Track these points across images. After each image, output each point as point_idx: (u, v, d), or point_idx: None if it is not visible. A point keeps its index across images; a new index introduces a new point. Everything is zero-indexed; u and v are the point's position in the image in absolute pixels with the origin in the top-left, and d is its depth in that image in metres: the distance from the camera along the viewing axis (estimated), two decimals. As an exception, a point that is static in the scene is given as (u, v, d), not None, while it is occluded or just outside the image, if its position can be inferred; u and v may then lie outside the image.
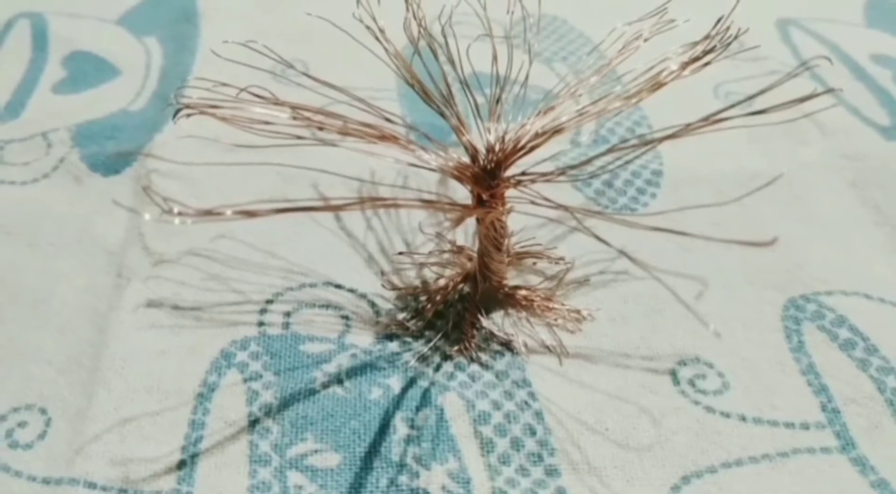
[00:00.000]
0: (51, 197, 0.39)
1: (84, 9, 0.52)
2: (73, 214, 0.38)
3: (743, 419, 0.31)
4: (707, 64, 0.32)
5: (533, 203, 0.30)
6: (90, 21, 0.51)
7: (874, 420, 0.31)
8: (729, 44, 0.32)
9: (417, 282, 0.35)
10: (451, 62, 0.33)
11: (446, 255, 0.36)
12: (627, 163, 0.31)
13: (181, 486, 0.28)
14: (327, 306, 0.34)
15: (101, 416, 0.30)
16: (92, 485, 0.28)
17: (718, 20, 0.32)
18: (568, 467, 0.29)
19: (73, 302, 0.34)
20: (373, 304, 0.35)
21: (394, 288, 0.35)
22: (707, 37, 0.32)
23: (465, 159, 0.30)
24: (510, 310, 0.34)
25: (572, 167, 0.30)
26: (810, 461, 0.29)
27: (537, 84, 0.49)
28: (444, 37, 0.33)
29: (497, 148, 0.30)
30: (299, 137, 0.29)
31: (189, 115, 0.29)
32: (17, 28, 0.50)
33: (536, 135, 0.31)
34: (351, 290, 0.35)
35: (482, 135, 0.31)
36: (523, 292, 0.34)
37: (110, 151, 0.41)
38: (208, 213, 0.25)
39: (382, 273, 0.36)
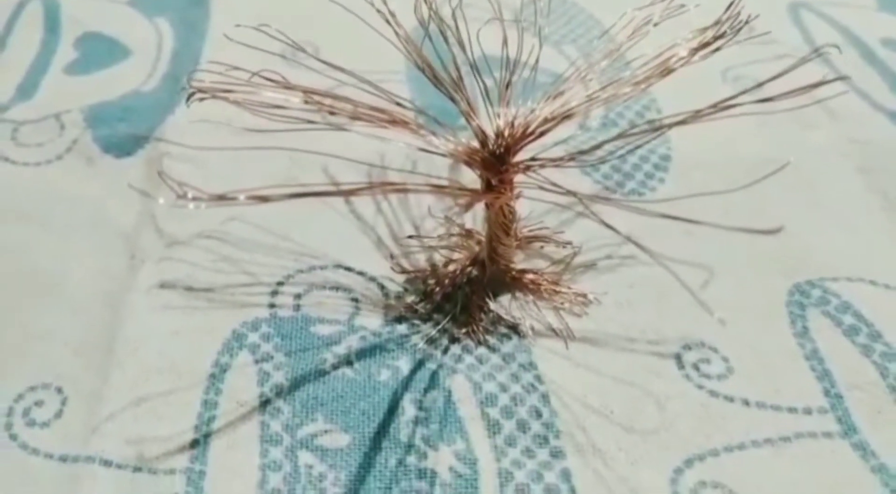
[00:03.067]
0: (64, 178, 0.39)
1: (95, -11, 0.52)
2: (86, 196, 0.38)
3: (746, 403, 0.31)
4: (717, 49, 0.32)
5: (541, 188, 0.30)
6: (101, 2, 0.51)
7: (876, 405, 0.31)
8: (740, 29, 0.32)
9: (426, 265, 0.36)
10: (461, 46, 0.33)
11: (455, 239, 0.36)
12: (637, 148, 0.31)
13: (194, 465, 0.29)
14: (337, 288, 0.35)
15: (116, 396, 0.31)
16: (107, 463, 0.29)
17: (730, 5, 0.32)
18: (573, 449, 0.30)
19: (87, 283, 0.35)
20: (382, 287, 0.35)
21: (403, 271, 0.35)
22: (717, 22, 0.32)
23: (475, 144, 0.31)
24: (517, 294, 0.35)
25: (582, 152, 0.31)
26: (812, 445, 0.30)
27: (547, 67, 0.49)
28: (455, 20, 0.33)
29: (506, 133, 0.31)
30: (310, 122, 0.29)
31: (202, 99, 0.29)
32: (29, 9, 0.50)
33: (545, 121, 0.31)
34: (360, 273, 0.35)
35: (492, 120, 0.31)
36: (531, 276, 0.35)
37: (123, 133, 0.41)
38: (221, 198, 0.25)
39: (392, 256, 0.36)
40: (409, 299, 0.34)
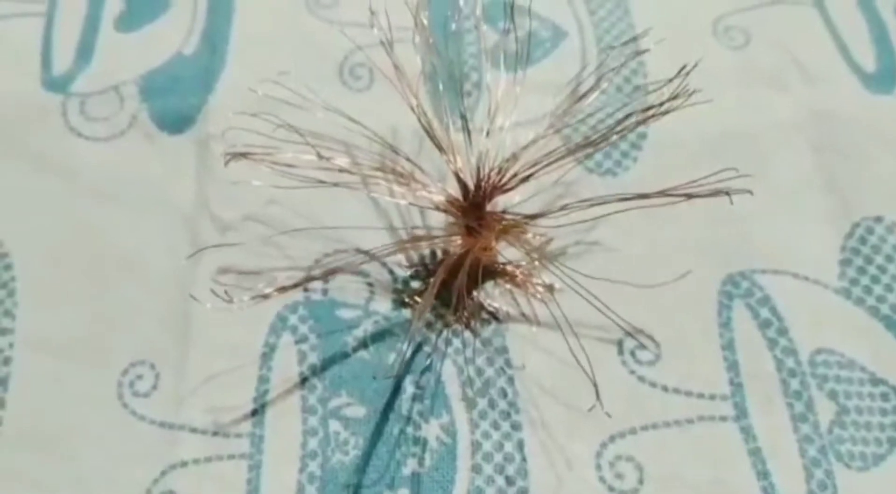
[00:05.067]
0: (129, 156, 0.46)
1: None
2: (149, 175, 0.46)
3: (665, 389, 0.40)
4: (667, 112, 0.37)
5: (509, 243, 0.38)
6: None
7: (768, 395, 0.40)
8: (691, 94, 0.37)
9: (428, 254, 0.44)
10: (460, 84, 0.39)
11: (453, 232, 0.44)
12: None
13: (255, 429, 0.40)
14: (356, 273, 0.44)
15: (195, 373, 0.41)
16: (194, 430, 0.40)
17: (681, 69, 0.37)
18: (528, 423, 0.40)
19: (160, 266, 0.43)
20: (392, 272, 0.44)
21: (409, 262, 0.44)
22: (672, 79, 0.37)
23: (457, 195, 0.38)
24: (499, 281, 0.43)
25: (543, 214, 0.38)
26: (710, 427, 0.39)
27: (548, 17, 0.53)
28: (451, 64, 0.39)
29: (483, 185, 0.38)
30: (320, 181, 0.37)
31: (237, 159, 0.37)
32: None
33: (513, 176, 0.38)
34: (375, 258, 0.44)
35: (473, 171, 0.38)
36: (510, 267, 0.43)
37: (173, 108, 0.48)
38: (259, 296, 0.34)
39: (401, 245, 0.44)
40: (413, 285, 0.43)
